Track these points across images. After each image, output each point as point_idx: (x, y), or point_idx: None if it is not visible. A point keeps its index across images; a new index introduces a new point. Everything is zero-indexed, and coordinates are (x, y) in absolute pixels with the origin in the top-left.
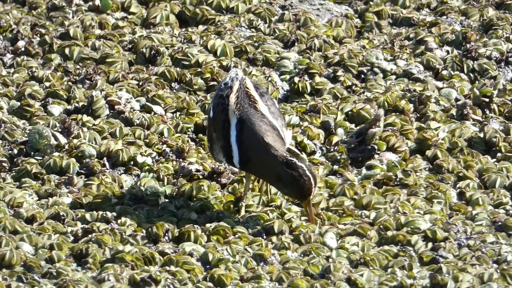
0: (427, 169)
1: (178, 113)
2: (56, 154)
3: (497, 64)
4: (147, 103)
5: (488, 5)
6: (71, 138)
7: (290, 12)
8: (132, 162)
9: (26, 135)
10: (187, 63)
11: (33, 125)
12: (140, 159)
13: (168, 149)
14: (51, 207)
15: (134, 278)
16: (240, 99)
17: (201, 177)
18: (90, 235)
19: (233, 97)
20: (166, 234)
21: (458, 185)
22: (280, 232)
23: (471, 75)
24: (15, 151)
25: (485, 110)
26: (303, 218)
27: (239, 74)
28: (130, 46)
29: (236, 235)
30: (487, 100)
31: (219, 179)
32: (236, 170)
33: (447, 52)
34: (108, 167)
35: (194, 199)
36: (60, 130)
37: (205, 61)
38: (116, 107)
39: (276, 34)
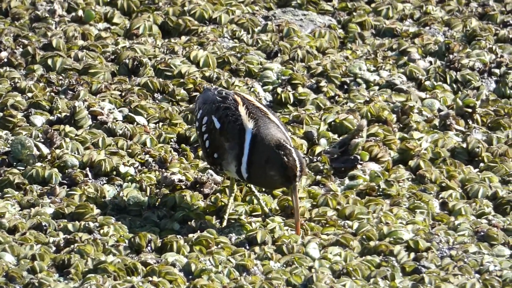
0: (410, 179)
1: (160, 124)
2: (39, 164)
3: (480, 75)
4: (130, 114)
5: (471, 16)
6: (53, 149)
7: (273, 23)
8: (114, 172)
9: (8, 146)
10: (169, 74)
11: (15, 135)
12: (122, 169)
13: (150, 159)
14: (33, 217)
15: None
16: (250, 110)
17: (183, 187)
18: (72, 245)
19: (243, 109)
20: (149, 244)
21: (440, 195)
22: (263, 242)
23: (454, 85)
24: None
25: (468, 120)
26: (285, 227)
27: (221, 89)
28: (113, 57)
29: (219, 245)
30: (470, 110)
31: (201, 189)
32: (219, 180)
33: (430, 62)
34: (90, 177)
35: (177, 209)
36: (42, 140)
37: (188, 71)
38: (98, 117)
39: (259, 45)
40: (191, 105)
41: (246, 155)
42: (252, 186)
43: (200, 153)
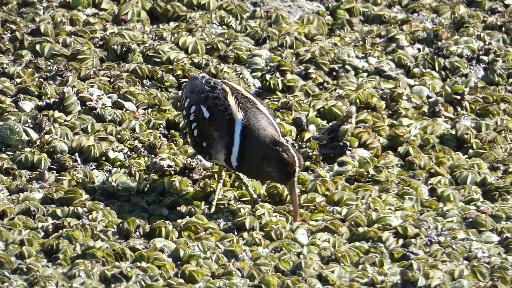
0: (399, 165)
1: (150, 110)
2: (28, 149)
3: (468, 62)
4: (119, 100)
5: (459, 2)
6: (42, 134)
7: (261, 9)
8: (103, 158)
9: None
10: (158, 60)
11: (4, 121)
12: (111, 154)
13: (140, 145)
14: (22, 202)
15: (105, 274)
16: (240, 100)
17: (172, 172)
18: (61, 231)
19: (232, 99)
20: (137, 230)
21: (429, 182)
22: (251, 228)
23: (443, 72)
24: None
25: (457, 107)
26: (274, 214)
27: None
28: (101, 42)
29: (207, 231)
30: (458, 97)
31: (190, 174)
32: (208, 165)
33: (419, 49)
34: (79, 163)
35: (166, 194)
36: (31, 126)
37: (177, 58)
38: (87, 103)
39: (248, 31)
40: (173, 93)
41: (238, 145)
42: (240, 174)
43: (189, 139)
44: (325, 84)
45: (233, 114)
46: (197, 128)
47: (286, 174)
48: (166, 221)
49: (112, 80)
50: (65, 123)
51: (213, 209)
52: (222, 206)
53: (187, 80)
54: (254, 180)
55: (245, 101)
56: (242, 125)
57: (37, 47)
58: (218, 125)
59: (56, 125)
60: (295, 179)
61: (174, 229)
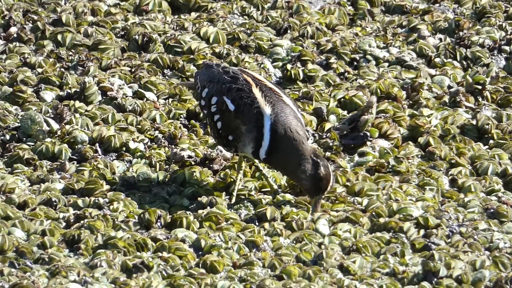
0: (419, 156)
1: (170, 100)
2: (48, 140)
3: (490, 52)
4: (140, 90)
5: None
6: (63, 124)
7: (282, 0)
8: (124, 148)
9: (18, 121)
10: (179, 50)
11: (25, 111)
12: (132, 145)
13: (160, 135)
14: (43, 193)
15: (127, 264)
16: (265, 92)
17: (193, 163)
18: (82, 221)
19: (257, 91)
20: (159, 220)
21: (450, 172)
22: (272, 219)
23: (464, 62)
24: (7, 137)
25: (478, 97)
26: (295, 204)
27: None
28: (122, 33)
29: (229, 222)
30: (479, 87)
31: (211, 165)
32: (228, 156)
33: (440, 39)
34: (100, 153)
35: (187, 185)
36: (52, 116)
37: (198, 48)
38: (108, 93)
39: (269, 21)
40: (185, 81)
41: (268, 140)
42: (259, 165)
43: (209, 129)
44: (346, 74)
45: (260, 107)
46: (221, 120)
47: (317, 188)
48: (187, 212)
49: (133, 70)
50: (86, 113)
51: (234, 200)
52: (242, 197)
53: None
54: (276, 171)
55: (271, 94)
56: (271, 119)
57: (59, 37)
58: (245, 118)
59: (77, 115)
60: (323, 196)
61: (195, 219)
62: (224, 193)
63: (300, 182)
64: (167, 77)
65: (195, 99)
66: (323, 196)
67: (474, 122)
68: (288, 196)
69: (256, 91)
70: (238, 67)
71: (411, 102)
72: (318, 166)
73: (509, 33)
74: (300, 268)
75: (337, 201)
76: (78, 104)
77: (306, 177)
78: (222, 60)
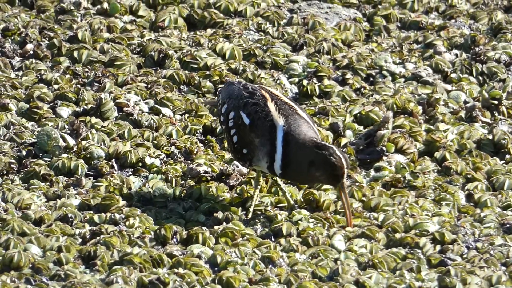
0: (435, 171)
1: (186, 115)
2: (65, 155)
3: (506, 67)
4: (156, 105)
5: (497, 8)
6: (79, 140)
7: (298, 16)
8: (140, 164)
9: (34, 137)
10: (195, 66)
11: (41, 126)
12: (148, 160)
13: (176, 151)
14: (59, 209)
15: (143, 280)
16: (279, 106)
17: (209, 178)
18: (98, 237)
19: (272, 105)
20: (174, 236)
21: (466, 187)
22: (288, 234)
23: (480, 78)
24: (24, 152)
25: (494, 112)
26: (311, 220)
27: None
28: (138, 49)
29: (245, 237)
30: (496, 102)
31: (227, 180)
32: (245, 171)
33: (456, 55)
34: (116, 169)
35: (203, 201)
36: (68, 131)
37: (214, 64)
38: (124, 109)
39: (285, 38)
40: (210, 99)
41: (280, 152)
42: (278, 179)
43: (226, 145)
44: (362, 89)
45: (274, 120)
46: (237, 134)
47: (335, 177)
48: (203, 227)
49: (149, 86)
50: (102, 129)
51: (250, 215)
52: (259, 212)
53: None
54: (297, 185)
55: (285, 107)
56: (283, 131)
57: (75, 53)
58: (259, 131)
59: (93, 131)
60: (344, 180)
61: (211, 235)
62: (240, 208)
63: (319, 180)
64: (183, 93)
65: (217, 116)
66: (344, 181)
67: (490, 137)
68: (304, 212)
69: (270, 105)
70: (258, 84)
71: (427, 117)
72: (325, 156)
73: None
74: (316, 284)
75: (353, 216)
76: (94, 120)
77: (321, 172)
78: (238, 76)
